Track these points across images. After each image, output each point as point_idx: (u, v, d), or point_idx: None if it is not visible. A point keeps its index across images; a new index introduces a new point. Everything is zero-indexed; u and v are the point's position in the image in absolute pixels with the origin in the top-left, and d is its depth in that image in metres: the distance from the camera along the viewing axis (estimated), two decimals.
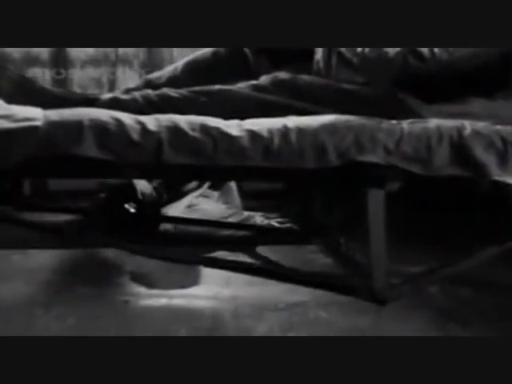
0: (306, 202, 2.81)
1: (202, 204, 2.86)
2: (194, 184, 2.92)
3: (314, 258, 2.61)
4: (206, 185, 2.93)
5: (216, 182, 2.92)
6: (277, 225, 2.84)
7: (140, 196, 2.82)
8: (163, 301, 2.01)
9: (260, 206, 3.00)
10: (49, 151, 1.50)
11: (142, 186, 2.85)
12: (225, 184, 2.96)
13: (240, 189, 3.04)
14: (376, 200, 1.61)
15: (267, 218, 2.89)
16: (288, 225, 2.84)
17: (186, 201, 2.88)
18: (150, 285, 2.21)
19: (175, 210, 2.85)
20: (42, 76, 3.64)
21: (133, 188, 2.82)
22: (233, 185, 3.00)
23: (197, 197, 2.89)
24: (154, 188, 2.86)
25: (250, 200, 3.04)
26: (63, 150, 1.50)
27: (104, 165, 1.54)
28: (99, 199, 2.88)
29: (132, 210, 2.84)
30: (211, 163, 1.57)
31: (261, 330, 1.76)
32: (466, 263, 1.91)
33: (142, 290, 2.13)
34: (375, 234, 1.63)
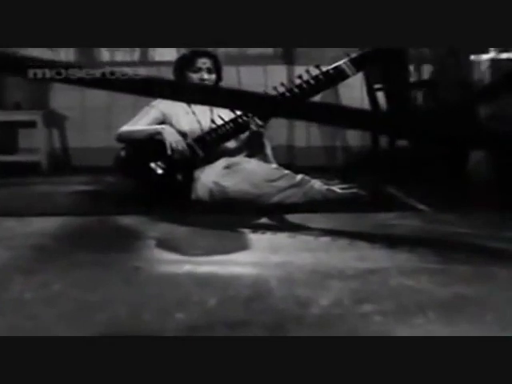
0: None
1: (243, 163, 2.27)
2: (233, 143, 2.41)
3: (391, 223, 2.02)
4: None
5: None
6: (339, 191, 2.25)
7: (170, 153, 2.27)
8: (187, 267, 1.46)
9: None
10: None
11: (173, 141, 2.30)
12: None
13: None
14: None
15: (327, 183, 2.30)
16: (354, 190, 2.24)
17: (224, 161, 2.32)
18: (173, 250, 1.67)
19: (212, 171, 2.28)
20: None
21: (161, 144, 2.28)
22: (269, 153, 2.48)
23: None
24: (188, 144, 2.30)
25: None
26: None
27: None
28: (118, 158, 2.33)
29: (159, 171, 2.30)
30: None
31: (323, 301, 1.19)
32: None
33: (161, 255, 1.59)
34: None
